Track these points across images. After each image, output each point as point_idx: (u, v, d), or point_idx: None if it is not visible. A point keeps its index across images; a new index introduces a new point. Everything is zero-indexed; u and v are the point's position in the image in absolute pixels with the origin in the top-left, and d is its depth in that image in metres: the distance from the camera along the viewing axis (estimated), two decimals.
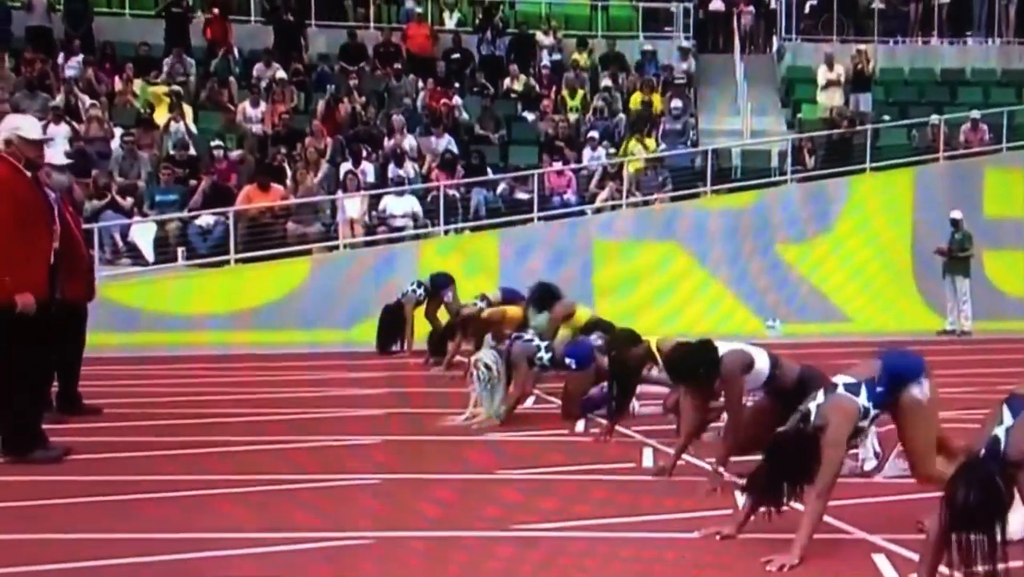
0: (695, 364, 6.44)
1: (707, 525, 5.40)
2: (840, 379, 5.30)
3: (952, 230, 16.31)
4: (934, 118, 18.85)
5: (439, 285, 13.06)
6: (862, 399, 5.20)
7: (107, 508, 5.93)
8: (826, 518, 5.35)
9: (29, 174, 6.98)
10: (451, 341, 11.89)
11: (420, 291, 13.14)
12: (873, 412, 5.27)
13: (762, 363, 6.40)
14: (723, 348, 6.45)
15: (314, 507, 5.97)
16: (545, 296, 10.97)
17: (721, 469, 6.35)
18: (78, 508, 5.92)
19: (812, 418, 5.09)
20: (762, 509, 5.12)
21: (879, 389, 5.25)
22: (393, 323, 13.17)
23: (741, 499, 5.83)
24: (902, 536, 5.20)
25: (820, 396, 5.19)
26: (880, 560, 4.91)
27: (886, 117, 19.81)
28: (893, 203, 17.62)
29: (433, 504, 6.09)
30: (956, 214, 16.31)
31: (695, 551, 5.12)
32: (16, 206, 6.80)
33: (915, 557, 4.77)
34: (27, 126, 7.10)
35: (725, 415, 7.59)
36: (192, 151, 17.08)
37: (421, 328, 13.17)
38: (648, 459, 7.29)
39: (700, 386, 6.55)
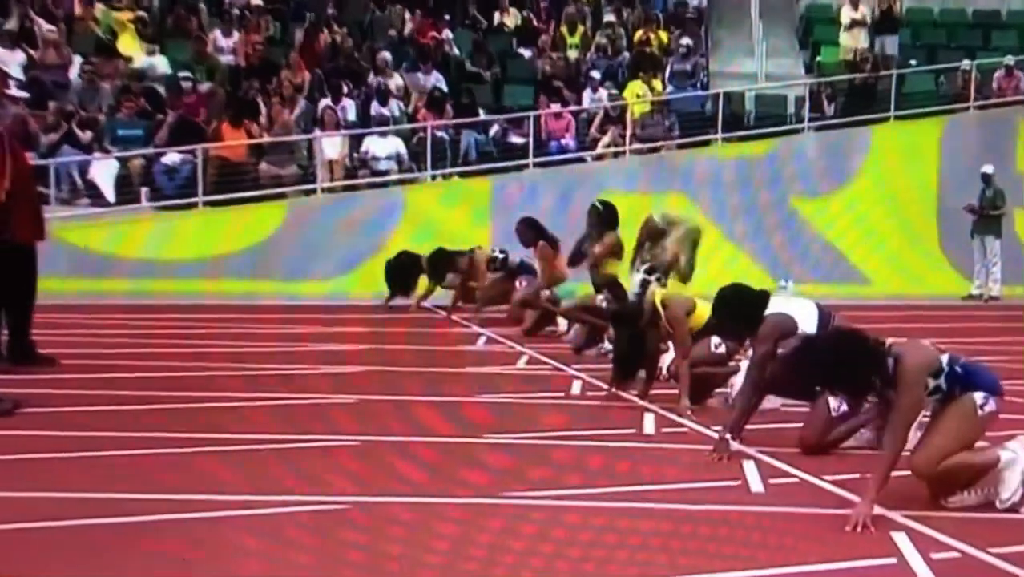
0: (735, 314, 6.69)
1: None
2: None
3: (983, 186, 16.22)
4: (965, 63, 18.74)
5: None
6: (944, 358, 5.21)
7: (57, 465, 5.88)
8: (844, 494, 5.42)
9: None
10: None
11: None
12: (944, 380, 5.17)
13: (808, 327, 6.60)
14: (772, 307, 6.65)
15: (294, 468, 5.92)
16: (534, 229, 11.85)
17: (729, 436, 6.32)
18: (26, 465, 5.86)
19: (888, 346, 5.15)
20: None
21: (958, 369, 5.22)
22: (405, 273, 13.03)
23: (748, 469, 5.83)
24: (923, 513, 5.17)
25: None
26: (900, 538, 4.88)
27: (913, 62, 19.71)
28: (918, 155, 17.54)
29: (417, 468, 6.04)
30: (988, 169, 16.20)
31: (696, 523, 5.10)
32: None
33: (937, 535, 4.83)
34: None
35: (735, 381, 7.64)
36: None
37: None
38: (649, 425, 7.27)
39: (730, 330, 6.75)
